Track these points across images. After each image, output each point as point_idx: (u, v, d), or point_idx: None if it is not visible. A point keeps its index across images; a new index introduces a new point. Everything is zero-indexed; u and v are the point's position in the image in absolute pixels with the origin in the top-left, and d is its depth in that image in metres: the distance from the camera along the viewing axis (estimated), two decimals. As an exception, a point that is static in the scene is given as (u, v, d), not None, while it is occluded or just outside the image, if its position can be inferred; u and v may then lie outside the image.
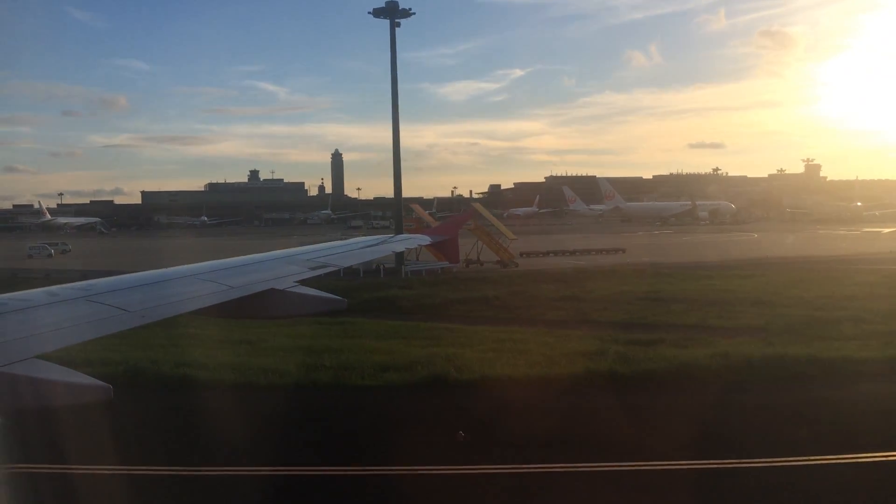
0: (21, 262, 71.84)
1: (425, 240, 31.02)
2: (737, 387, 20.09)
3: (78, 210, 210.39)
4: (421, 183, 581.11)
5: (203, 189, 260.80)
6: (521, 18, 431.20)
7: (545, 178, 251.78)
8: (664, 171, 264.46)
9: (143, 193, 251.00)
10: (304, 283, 9.83)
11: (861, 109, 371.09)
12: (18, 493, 12.62)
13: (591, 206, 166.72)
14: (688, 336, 26.92)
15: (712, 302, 35.83)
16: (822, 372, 20.94)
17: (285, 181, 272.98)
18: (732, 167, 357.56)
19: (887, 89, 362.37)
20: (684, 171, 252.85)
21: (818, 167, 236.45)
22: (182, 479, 14.53)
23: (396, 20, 52.12)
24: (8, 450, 11.46)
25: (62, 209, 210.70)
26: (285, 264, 10.80)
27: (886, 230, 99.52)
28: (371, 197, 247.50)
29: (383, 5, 52.56)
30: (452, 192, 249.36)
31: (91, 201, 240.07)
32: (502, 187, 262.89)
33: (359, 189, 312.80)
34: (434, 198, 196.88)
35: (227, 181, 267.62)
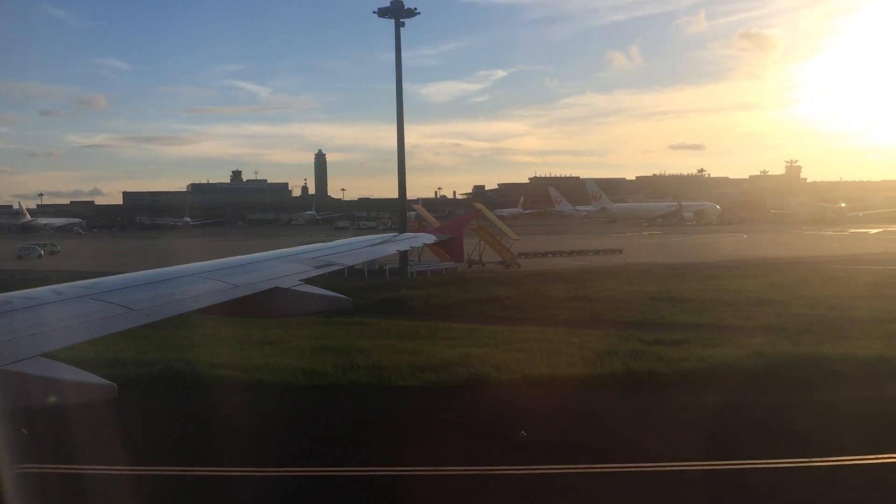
0: (11, 263, 70.64)
1: (430, 238, 31.01)
2: (793, 385, 20.21)
3: (58, 211, 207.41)
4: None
5: (185, 189, 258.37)
6: (502, 19, 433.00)
7: (529, 179, 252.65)
8: (645, 173, 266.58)
9: (125, 194, 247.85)
10: (308, 281, 9.83)
11: (839, 111, 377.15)
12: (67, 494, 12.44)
13: (577, 207, 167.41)
14: (711, 336, 27.04)
15: (724, 302, 36.07)
16: (864, 370, 21.13)
17: (269, 182, 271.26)
18: (713, 168, 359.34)
19: (865, 91, 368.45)
20: (667, 173, 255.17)
21: (799, 168, 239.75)
22: (278, 480, 14.44)
23: (401, 20, 52.01)
24: (23, 449, 11.35)
25: (42, 209, 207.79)
26: (289, 263, 10.76)
27: (873, 231, 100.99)
28: (356, 198, 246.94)
29: (388, 5, 52.47)
30: (436, 193, 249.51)
31: (72, 202, 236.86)
32: (486, 188, 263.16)
33: (343, 190, 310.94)
34: (419, 199, 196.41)
35: (210, 182, 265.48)
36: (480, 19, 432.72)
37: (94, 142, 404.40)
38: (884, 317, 29.70)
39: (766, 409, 18.54)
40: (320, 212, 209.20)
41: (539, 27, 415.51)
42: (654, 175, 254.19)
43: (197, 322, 25.12)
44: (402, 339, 28.14)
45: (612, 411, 18.28)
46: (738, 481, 14.16)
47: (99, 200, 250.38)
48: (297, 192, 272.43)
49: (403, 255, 49.31)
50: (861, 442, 15.43)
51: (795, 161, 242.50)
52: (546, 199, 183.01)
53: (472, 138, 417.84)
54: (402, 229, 53.16)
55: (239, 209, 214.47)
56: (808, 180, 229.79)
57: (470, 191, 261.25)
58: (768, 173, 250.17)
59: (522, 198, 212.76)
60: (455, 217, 68.33)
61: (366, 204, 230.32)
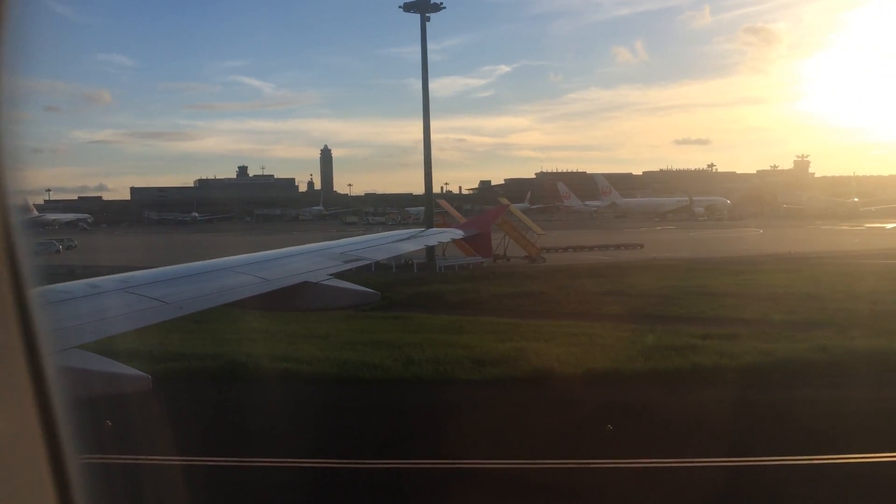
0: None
1: (458, 234, 30.93)
2: (871, 379, 19.96)
3: (66, 206, 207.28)
4: (409, 179, 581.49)
5: (192, 185, 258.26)
6: (506, 14, 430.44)
7: (535, 174, 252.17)
8: (651, 167, 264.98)
9: (132, 189, 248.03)
10: (336, 276, 9.92)
11: (845, 106, 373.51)
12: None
13: (587, 202, 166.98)
14: (760, 330, 26.88)
15: (762, 296, 35.88)
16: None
17: (275, 177, 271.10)
18: (719, 163, 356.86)
19: (870, 86, 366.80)
20: (673, 167, 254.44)
21: (808, 163, 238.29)
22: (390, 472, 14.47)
23: (427, 14, 51.84)
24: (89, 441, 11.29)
25: (49, 205, 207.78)
26: (318, 258, 10.91)
27: (889, 226, 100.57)
28: (362, 193, 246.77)
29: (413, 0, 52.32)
30: (442, 188, 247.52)
31: (79, 197, 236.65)
32: (492, 183, 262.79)
33: (350, 185, 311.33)
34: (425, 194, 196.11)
35: (216, 177, 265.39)
36: (484, 15, 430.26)
37: (98, 137, 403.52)
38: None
39: (868, 403, 18.02)
40: (327, 207, 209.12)
41: (543, 22, 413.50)
42: (661, 170, 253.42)
43: (236, 316, 25.04)
44: (448, 334, 28.00)
45: (700, 405, 18.06)
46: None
47: (105, 196, 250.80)
48: (303, 188, 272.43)
49: (430, 249, 49.22)
50: None
51: (805, 156, 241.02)
52: (553, 195, 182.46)
53: (477, 133, 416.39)
54: (429, 224, 53.04)
55: (246, 204, 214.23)
56: (816, 175, 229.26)
57: (476, 186, 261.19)
58: (778, 168, 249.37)
59: (530, 193, 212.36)
60: (482, 213, 68.05)
61: (372, 199, 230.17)
